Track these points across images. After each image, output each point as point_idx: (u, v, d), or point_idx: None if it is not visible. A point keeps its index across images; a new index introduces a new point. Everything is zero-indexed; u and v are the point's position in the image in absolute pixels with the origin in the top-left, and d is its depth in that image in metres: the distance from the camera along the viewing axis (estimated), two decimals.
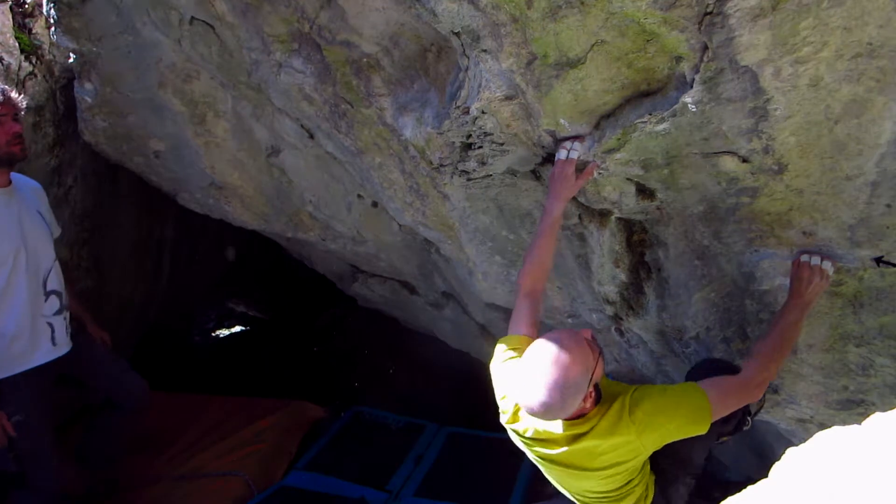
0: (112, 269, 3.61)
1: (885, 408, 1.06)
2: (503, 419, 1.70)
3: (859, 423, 0.88)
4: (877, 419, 0.86)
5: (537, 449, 1.66)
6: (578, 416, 1.56)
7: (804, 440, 0.93)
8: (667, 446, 1.60)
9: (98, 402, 2.84)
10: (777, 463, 0.89)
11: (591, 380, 1.46)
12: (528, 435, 1.64)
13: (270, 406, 3.84)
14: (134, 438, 3.42)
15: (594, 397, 1.56)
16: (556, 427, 1.58)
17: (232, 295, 6.61)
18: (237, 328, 6.78)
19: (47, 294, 2.42)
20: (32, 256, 2.35)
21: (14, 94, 2.29)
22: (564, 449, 1.58)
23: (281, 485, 3.11)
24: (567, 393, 1.42)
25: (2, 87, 2.29)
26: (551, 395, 1.42)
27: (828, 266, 1.59)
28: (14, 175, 2.40)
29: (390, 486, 3.11)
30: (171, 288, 4.40)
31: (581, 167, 1.79)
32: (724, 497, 0.96)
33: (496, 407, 1.73)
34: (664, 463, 1.80)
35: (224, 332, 6.70)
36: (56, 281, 2.47)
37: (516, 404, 1.65)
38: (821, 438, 0.88)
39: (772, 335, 1.64)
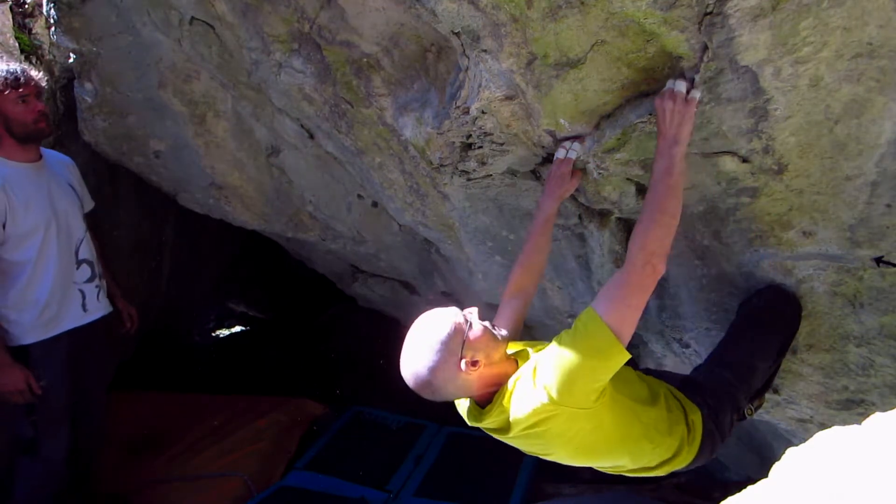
0: (112, 269, 3.60)
1: (885, 408, 1.06)
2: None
3: (859, 423, 0.88)
4: (877, 419, 0.86)
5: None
6: (486, 402, 1.44)
7: (804, 440, 0.93)
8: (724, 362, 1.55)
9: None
10: (777, 463, 0.89)
11: (462, 344, 1.35)
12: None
13: (269, 404, 3.84)
14: (132, 440, 3.42)
15: (488, 376, 1.41)
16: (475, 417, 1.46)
17: (232, 295, 6.60)
18: (237, 328, 6.78)
19: (79, 262, 2.55)
20: (64, 227, 2.48)
21: (34, 73, 2.42)
22: (510, 437, 1.42)
23: (281, 485, 3.10)
24: (423, 356, 1.35)
25: (23, 67, 2.40)
26: (412, 356, 1.37)
27: (682, 87, 1.38)
28: (45, 150, 2.57)
29: (390, 486, 3.11)
30: (171, 288, 4.39)
31: (582, 167, 1.79)
32: (724, 497, 0.95)
33: None
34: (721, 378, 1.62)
35: (224, 332, 6.70)
36: (87, 251, 2.60)
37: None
38: (821, 438, 0.88)
39: (647, 198, 1.41)
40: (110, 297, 2.78)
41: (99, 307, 2.63)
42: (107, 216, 3.50)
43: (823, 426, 1.46)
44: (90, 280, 2.59)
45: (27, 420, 2.40)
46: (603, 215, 2.05)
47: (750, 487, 0.88)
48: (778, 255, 1.71)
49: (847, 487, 0.76)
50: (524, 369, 1.39)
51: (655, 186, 1.40)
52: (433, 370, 1.35)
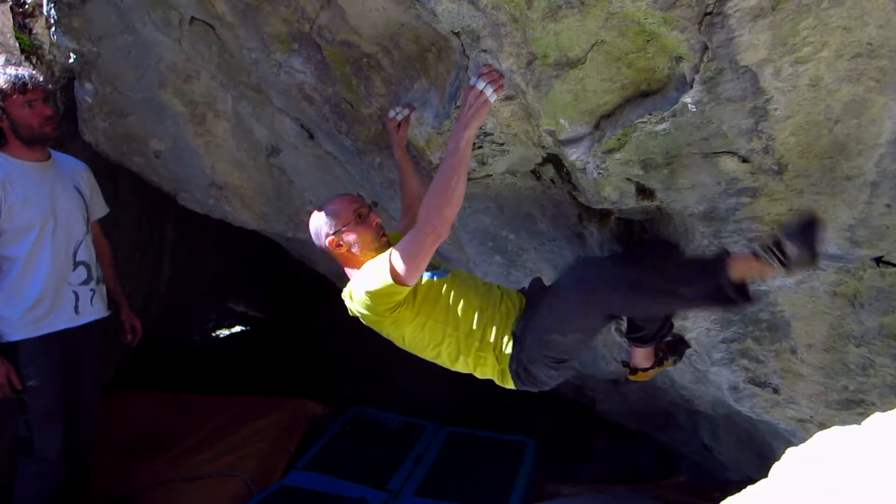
0: (121, 277, 3.60)
1: (885, 408, 1.06)
2: None
3: (859, 423, 0.88)
4: (877, 419, 0.87)
5: None
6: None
7: (804, 440, 0.93)
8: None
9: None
10: (777, 463, 0.89)
11: (338, 229, 1.78)
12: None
13: (269, 404, 3.84)
14: (132, 440, 3.42)
15: (352, 260, 1.81)
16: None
17: (232, 295, 6.60)
18: (237, 328, 6.78)
19: (76, 264, 2.54)
20: (63, 226, 2.48)
21: (42, 78, 2.44)
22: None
23: (281, 484, 3.10)
24: (315, 223, 1.83)
25: (31, 72, 2.42)
26: (316, 214, 1.83)
27: (482, 86, 1.60)
28: (58, 154, 2.62)
29: (390, 486, 3.11)
30: (171, 288, 4.39)
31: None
32: (724, 497, 0.96)
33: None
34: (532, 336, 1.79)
35: (224, 332, 6.70)
36: (86, 253, 2.59)
37: None
38: (821, 438, 0.88)
39: (438, 170, 1.65)
40: (116, 307, 2.77)
41: (92, 311, 2.59)
42: (107, 216, 3.51)
43: (823, 426, 1.46)
44: (86, 283, 2.56)
45: (21, 419, 2.40)
46: (603, 215, 2.05)
47: (750, 487, 0.88)
48: None
49: (847, 487, 0.76)
50: (362, 269, 1.73)
51: (443, 163, 1.63)
52: (316, 227, 1.83)
